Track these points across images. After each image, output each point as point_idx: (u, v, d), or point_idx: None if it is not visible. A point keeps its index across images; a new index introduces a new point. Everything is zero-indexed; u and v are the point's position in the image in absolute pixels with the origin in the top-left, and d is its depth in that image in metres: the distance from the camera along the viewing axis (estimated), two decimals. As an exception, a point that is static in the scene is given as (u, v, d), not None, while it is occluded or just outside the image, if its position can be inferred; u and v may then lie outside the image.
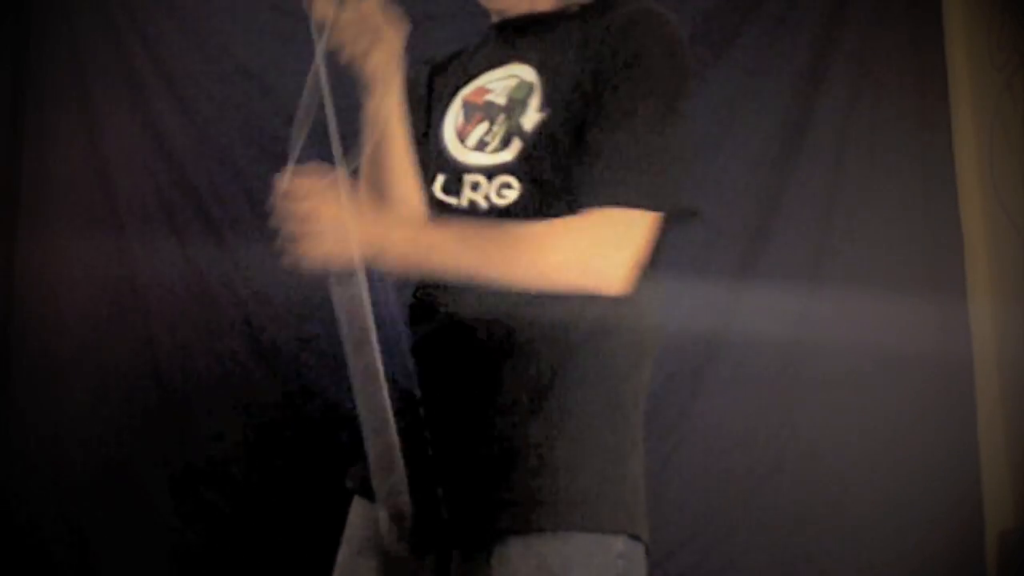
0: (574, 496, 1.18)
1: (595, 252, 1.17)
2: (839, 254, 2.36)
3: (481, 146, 1.28)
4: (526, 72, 1.30)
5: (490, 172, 1.26)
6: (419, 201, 1.32)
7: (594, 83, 1.22)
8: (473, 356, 1.23)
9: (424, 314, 1.28)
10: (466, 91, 1.36)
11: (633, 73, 1.21)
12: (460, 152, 1.31)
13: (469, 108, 1.34)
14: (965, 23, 2.45)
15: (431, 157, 1.34)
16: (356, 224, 1.11)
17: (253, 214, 2.31)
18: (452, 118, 1.35)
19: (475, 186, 1.27)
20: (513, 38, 1.36)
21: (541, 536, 1.16)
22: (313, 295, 2.17)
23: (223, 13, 2.53)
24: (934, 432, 2.27)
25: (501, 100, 1.30)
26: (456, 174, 1.29)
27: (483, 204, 1.26)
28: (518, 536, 1.16)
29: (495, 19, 1.41)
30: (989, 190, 2.36)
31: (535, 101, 1.27)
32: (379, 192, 1.32)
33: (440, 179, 1.31)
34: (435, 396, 1.24)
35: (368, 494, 1.27)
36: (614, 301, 1.20)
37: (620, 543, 1.19)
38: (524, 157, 1.24)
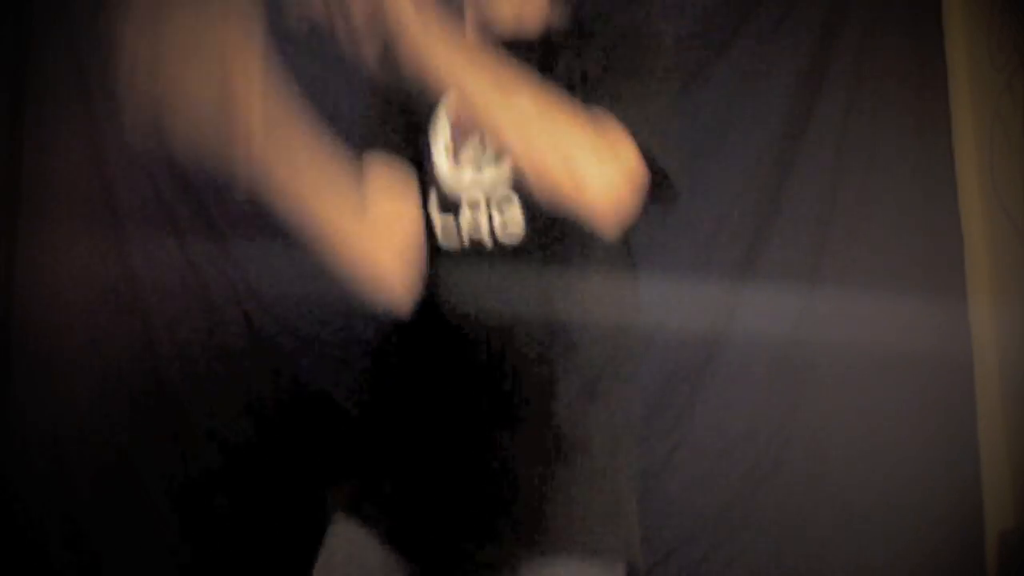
0: (580, 524, 1.22)
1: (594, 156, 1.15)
2: (839, 254, 2.36)
3: (475, 163, 1.30)
4: None
5: (488, 189, 1.28)
6: None
7: (601, 70, 1.24)
8: (472, 377, 1.27)
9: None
10: (448, 103, 1.35)
11: (636, 60, 1.24)
12: (454, 172, 1.31)
13: (456, 123, 1.34)
14: (965, 23, 2.45)
15: (420, 170, 1.34)
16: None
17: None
18: (440, 132, 1.35)
19: (474, 205, 1.29)
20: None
21: (554, 559, 1.20)
22: (313, 295, 2.17)
23: (223, 13, 2.53)
24: (934, 432, 2.27)
25: None
26: (454, 195, 1.30)
27: (484, 223, 1.28)
28: (530, 560, 1.20)
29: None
30: (989, 190, 2.36)
31: None
32: None
33: (434, 197, 1.32)
34: (447, 416, 1.28)
35: (358, 513, 1.30)
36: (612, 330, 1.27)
37: (622, 571, 1.24)
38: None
